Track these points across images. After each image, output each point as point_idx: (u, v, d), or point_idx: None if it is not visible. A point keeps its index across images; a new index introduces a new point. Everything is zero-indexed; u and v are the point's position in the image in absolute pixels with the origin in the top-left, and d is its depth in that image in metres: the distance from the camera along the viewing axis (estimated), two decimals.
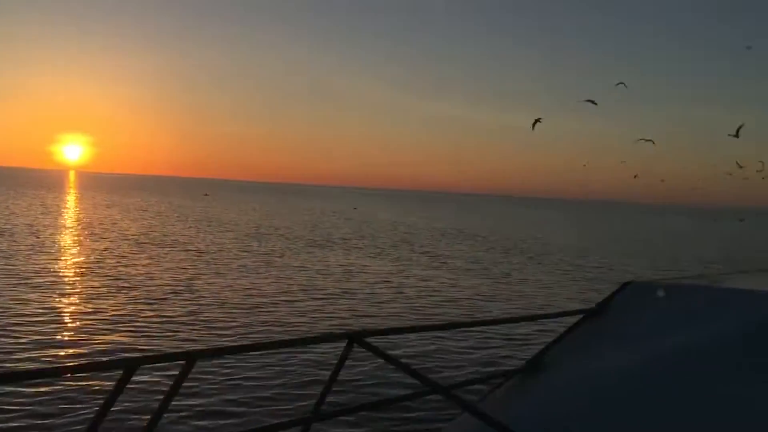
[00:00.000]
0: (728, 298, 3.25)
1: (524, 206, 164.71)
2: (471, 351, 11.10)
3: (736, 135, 23.91)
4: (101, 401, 2.15)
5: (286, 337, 3.03)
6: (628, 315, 3.45)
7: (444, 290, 18.42)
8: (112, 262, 20.43)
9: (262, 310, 14.19)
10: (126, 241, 26.82)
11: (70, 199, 66.77)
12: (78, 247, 24.05)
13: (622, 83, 27.76)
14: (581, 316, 3.63)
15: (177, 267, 20.05)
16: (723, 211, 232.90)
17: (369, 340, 2.90)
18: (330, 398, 2.86)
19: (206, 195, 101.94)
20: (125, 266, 19.59)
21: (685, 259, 33.22)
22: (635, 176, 56.64)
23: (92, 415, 2.17)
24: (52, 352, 10.05)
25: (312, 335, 2.93)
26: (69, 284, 16.10)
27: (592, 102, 27.21)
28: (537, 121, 26.72)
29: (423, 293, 17.64)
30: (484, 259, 27.52)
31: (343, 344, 2.85)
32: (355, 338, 2.88)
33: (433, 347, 11.06)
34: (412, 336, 11.08)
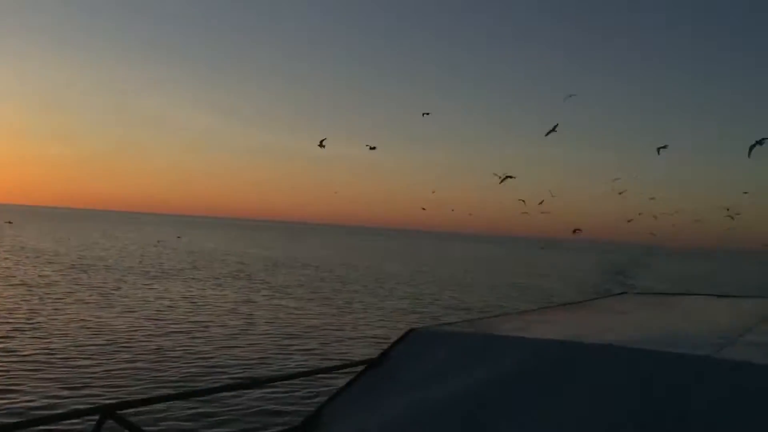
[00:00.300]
0: (503, 343, 3.29)
1: (357, 234, 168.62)
2: (246, 414, 9.63)
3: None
4: None
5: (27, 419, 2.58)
6: (410, 363, 3.37)
7: (236, 340, 15.75)
8: None
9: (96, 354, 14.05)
10: None
11: None
12: None
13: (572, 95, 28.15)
14: (363, 367, 3.51)
15: (7, 304, 18.93)
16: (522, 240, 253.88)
17: (126, 412, 2.65)
18: None
19: (9, 223, 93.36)
20: None
21: (497, 285, 36.57)
22: (423, 208, 60.35)
23: None
24: None
25: (56, 412, 2.48)
26: None
27: (554, 130, 27.66)
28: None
29: (223, 344, 15.21)
30: (285, 299, 24.19)
31: (94, 420, 2.56)
32: (107, 412, 2.60)
33: (201, 413, 9.33)
34: (178, 404, 9.26)
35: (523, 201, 36.76)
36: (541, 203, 37.36)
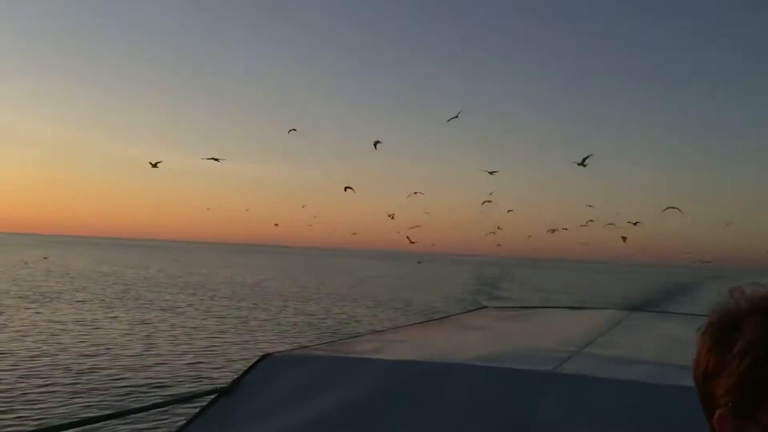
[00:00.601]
0: (358, 366, 3.28)
1: (245, 253, 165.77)
2: None
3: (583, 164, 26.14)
4: None
5: None
6: (263, 390, 3.29)
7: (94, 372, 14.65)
8: None
9: None
10: None
11: None
12: None
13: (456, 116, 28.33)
14: (214, 396, 3.40)
15: None
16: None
17: None
18: None
19: None
20: None
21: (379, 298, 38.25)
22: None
23: None
24: None
25: None
26: None
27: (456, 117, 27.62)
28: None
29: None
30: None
31: None
32: None
33: None
34: None
35: (391, 216, 38.73)
36: (414, 227, 40.15)
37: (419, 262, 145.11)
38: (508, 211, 53.43)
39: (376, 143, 28.68)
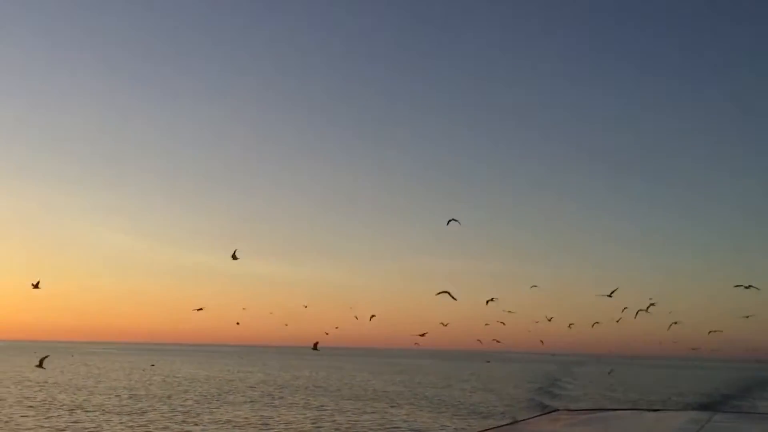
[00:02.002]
0: None
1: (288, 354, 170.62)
2: None
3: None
4: None
5: None
6: None
7: None
8: None
9: None
10: None
11: None
12: None
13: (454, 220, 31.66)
14: None
15: None
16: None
17: None
18: None
19: None
20: None
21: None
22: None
23: None
24: None
25: None
26: None
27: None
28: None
29: None
30: None
31: None
32: None
33: None
34: None
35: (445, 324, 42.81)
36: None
37: (488, 361, 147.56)
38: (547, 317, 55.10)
39: (450, 221, 30.63)
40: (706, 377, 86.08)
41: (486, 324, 54.95)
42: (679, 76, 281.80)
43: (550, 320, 52.39)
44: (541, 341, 64.06)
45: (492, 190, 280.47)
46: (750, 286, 30.07)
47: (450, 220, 32.15)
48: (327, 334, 61.54)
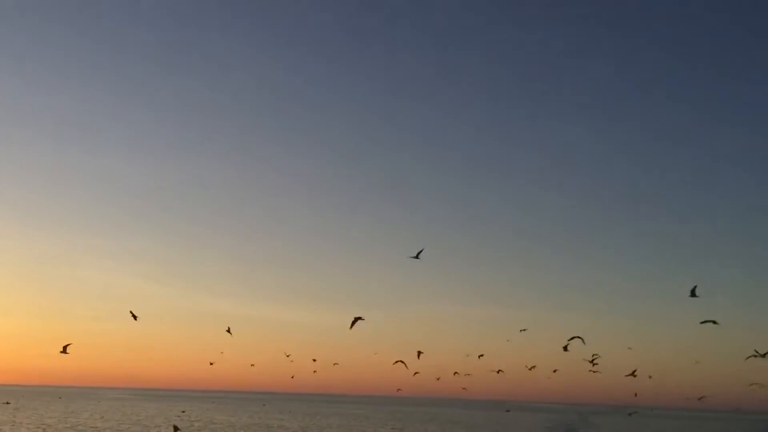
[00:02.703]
0: None
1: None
2: None
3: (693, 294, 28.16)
4: None
5: None
6: None
7: None
8: None
9: None
10: None
11: None
12: None
13: None
14: None
15: None
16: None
17: None
18: None
19: (7, 403, 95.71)
20: None
21: None
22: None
23: None
24: None
25: None
26: None
27: None
28: (357, 319, 30.05)
29: None
30: None
31: None
32: None
33: None
34: None
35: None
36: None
37: (507, 411, 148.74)
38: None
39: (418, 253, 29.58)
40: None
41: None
42: None
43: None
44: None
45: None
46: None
47: (419, 252, 31.40)
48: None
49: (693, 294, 28.23)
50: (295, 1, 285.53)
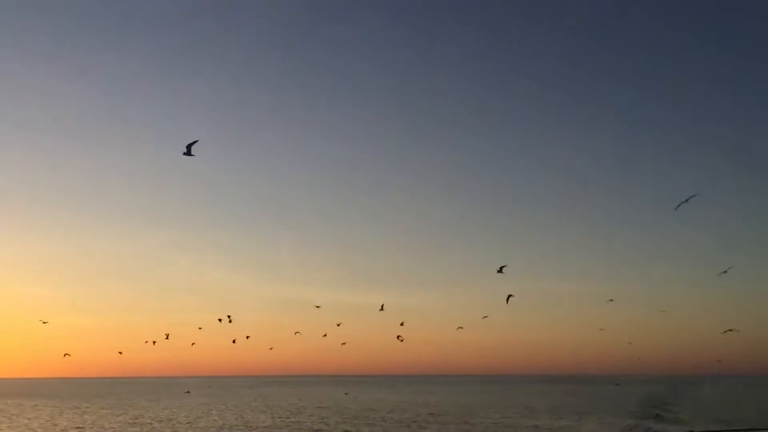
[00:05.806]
0: None
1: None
2: None
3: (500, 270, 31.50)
4: None
5: None
6: None
7: None
8: None
9: None
10: None
11: None
12: None
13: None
14: None
15: None
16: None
17: None
18: None
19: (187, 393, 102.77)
20: None
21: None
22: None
23: None
24: None
25: None
26: None
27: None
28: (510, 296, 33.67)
29: None
30: None
31: None
32: None
33: None
34: None
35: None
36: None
37: (617, 384, 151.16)
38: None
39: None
40: None
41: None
42: None
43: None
44: None
45: None
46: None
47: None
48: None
49: None
50: None
